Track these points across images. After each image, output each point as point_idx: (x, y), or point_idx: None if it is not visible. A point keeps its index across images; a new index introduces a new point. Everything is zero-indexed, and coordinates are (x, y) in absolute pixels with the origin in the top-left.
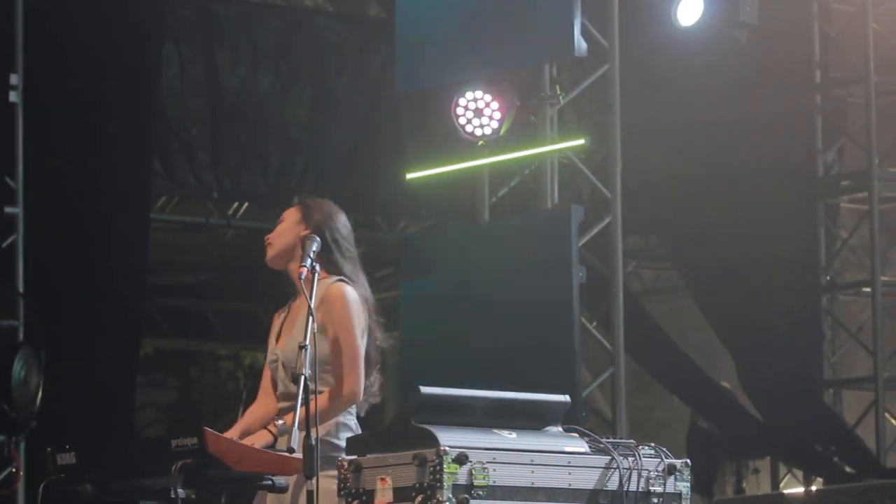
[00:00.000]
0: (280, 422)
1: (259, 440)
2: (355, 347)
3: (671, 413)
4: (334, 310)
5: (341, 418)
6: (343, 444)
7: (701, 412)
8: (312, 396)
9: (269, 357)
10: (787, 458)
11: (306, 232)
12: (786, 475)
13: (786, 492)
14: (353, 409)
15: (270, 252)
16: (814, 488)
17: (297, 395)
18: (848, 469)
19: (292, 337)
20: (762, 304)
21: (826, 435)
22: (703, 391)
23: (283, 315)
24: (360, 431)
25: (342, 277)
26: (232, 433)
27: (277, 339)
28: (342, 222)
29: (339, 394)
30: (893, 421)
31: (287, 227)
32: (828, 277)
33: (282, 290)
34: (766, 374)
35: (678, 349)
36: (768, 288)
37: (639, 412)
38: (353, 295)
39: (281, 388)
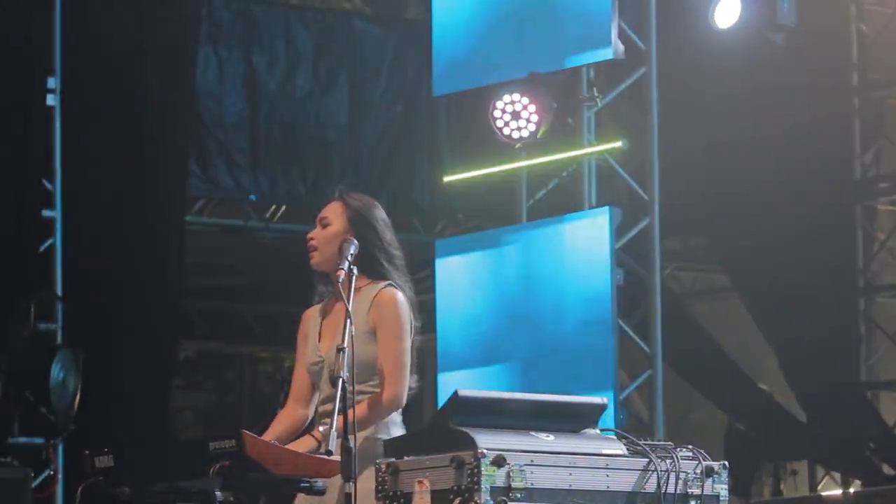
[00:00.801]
0: (324, 427)
1: (303, 446)
2: (402, 354)
3: (708, 415)
4: (386, 315)
5: (389, 417)
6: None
7: (737, 415)
8: (351, 399)
9: (311, 359)
10: (827, 460)
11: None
12: (823, 477)
13: (824, 494)
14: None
15: (317, 258)
16: (852, 490)
17: (336, 398)
18: (886, 470)
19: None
20: (802, 307)
21: (866, 436)
22: (741, 393)
23: (319, 315)
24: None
25: (390, 283)
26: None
27: (320, 340)
28: (382, 217)
29: (381, 400)
30: None
31: (334, 233)
32: (865, 280)
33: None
34: (809, 375)
35: (719, 351)
36: (807, 290)
37: (676, 414)
38: (404, 300)
39: (325, 391)
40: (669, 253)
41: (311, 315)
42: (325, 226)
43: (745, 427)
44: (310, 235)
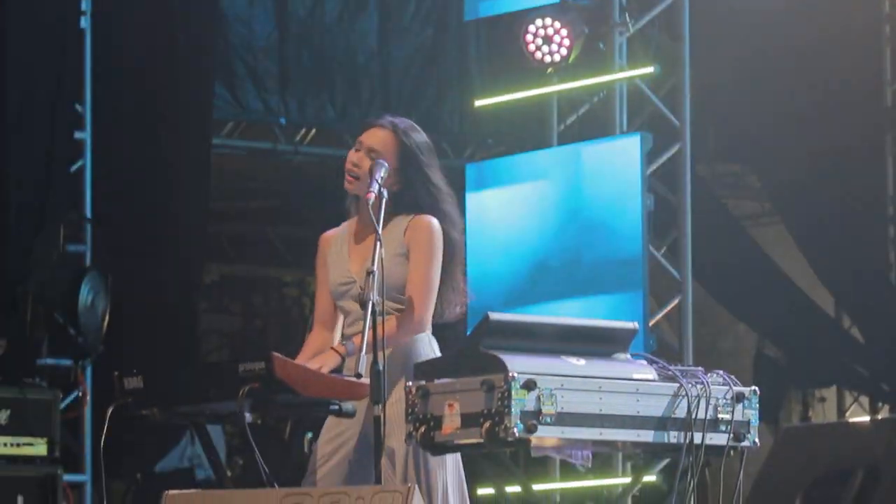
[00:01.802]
0: (347, 343)
1: (327, 360)
2: (431, 278)
3: (736, 342)
4: (420, 238)
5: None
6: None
7: (772, 335)
8: (380, 322)
9: (339, 279)
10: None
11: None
12: (852, 404)
13: (851, 420)
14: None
15: (357, 186)
16: (880, 416)
17: (365, 319)
18: None
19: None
20: (836, 233)
21: None
22: (784, 307)
23: (346, 237)
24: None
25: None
26: None
27: (350, 262)
28: (428, 146)
29: (407, 320)
30: None
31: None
32: (895, 207)
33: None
34: (847, 302)
35: (762, 266)
36: (839, 218)
37: (703, 341)
38: (440, 228)
39: (352, 313)
40: (699, 179)
41: (332, 238)
42: (372, 158)
43: (776, 352)
44: (353, 161)
